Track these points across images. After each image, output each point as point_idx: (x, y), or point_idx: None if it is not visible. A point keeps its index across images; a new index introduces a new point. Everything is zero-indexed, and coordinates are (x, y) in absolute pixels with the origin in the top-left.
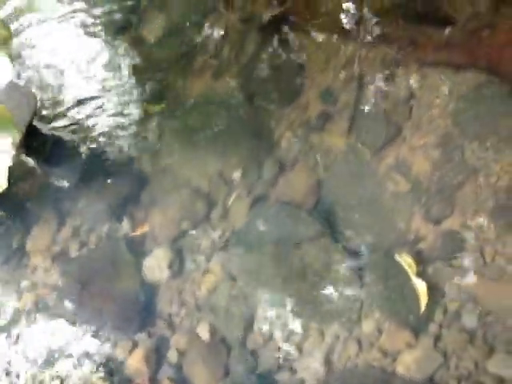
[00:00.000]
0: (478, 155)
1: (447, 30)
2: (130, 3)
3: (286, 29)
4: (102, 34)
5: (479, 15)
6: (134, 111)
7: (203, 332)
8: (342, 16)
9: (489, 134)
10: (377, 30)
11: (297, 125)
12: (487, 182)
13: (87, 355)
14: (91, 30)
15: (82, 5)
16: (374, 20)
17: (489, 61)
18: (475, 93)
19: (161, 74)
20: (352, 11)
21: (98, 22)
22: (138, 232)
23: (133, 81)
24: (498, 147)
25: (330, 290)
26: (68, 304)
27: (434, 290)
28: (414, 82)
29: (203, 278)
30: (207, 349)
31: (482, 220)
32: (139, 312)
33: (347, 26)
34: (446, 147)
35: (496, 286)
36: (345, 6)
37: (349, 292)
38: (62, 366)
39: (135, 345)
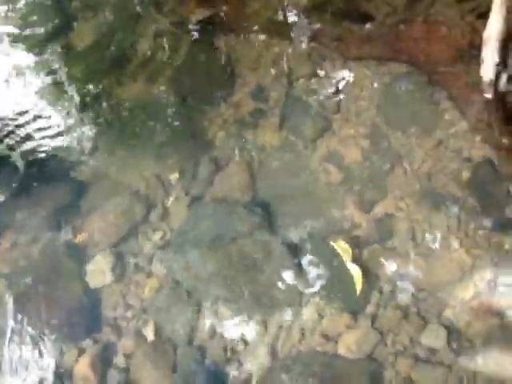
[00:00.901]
0: (403, 142)
1: (368, 26)
2: (58, 11)
3: (216, 30)
4: (31, 44)
5: (396, 11)
6: (69, 119)
7: (149, 333)
8: (270, 15)
9: (411, 121)
10: (304, 28)
11: (230, 123)
12: (413, 167)
13: (34, 365)
14: (17, 41)
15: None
16: (301, 18)
17: (407, 53)
18: (397, 83)
19: (94, 81)
20: (279, 10)
21: (25, 33)
22: (79, 239)
23: (66, 89)
24: (419, 134)
25: (270, 281)
26: (12, 315)
27: (370, 273)
28: (340, 76)
29: (146, 280)
30: (154, 349)
31: (410, 203)
32: (84, 318)
33: (275, 25)
34: (373, 137)
35: (426, 263)
36: (272, 5)
37: (288, 281)
38: (10, 378)
39: (82, 352)
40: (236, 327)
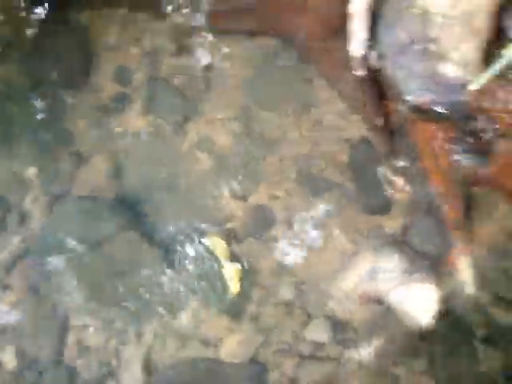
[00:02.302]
0: (277, 124)
1: None
2: None
3: (71, 5)
4: None
5: None
6: None
7: (8, 359)
8: None
9: (285, 101)
10: (166, 2)
11: (91, 110)
12: (289, 151)
13: None
14: None
15: None
16: None
17: (278, 27)
18: (269, 60)
19: None
20: None
21: None
22: None
23: None
24: (294, 114)
25: (142, 287)
26: None
27: (249, 268)
28: (208, 52)
29: (2, 295)
30: (15, 378)
31: (288, 190)
32: None
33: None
34: (245, 119)
35: (307, 254)
36: None
37: (162, 285)
38: None
39: None
40: (108, 341)
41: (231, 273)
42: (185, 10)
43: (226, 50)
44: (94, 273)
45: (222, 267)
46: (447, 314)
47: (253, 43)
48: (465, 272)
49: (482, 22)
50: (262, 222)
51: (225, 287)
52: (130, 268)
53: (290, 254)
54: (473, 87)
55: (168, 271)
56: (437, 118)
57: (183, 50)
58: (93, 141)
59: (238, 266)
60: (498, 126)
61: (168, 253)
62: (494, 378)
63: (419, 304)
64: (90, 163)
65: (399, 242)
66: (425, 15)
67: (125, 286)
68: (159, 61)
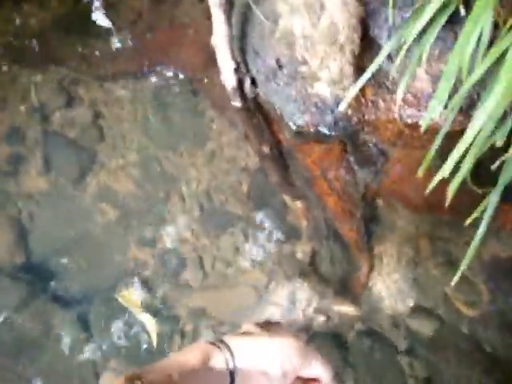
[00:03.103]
0: (175, 163)
1: (114, 39)
2: None
3: None
4: None
5: (141, 17)
6: None
7: None
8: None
9: (180, 137)
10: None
11: None
12: (190, 189)
13: None
14: None
15: None
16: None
17: (163, 62)
18: (160, 97)
19: None
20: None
21: None
22: None
23: None
24: (190, 150)
25: (58, 360)
26: None
27: (167, 316)
28: (97, 100)
29: None
30: None
31: (194, 229)
32: None
33: (16, 50)
34: (144, 162)
35: (221, 293)
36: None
37: (79, 354)
38: None
39: None
40: None
41: (147, 325)
42: (62, 61)
43: (115, 93)
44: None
45: (139, 320)
46: (369, 333)
47: (142, 82)
48: (377, 288)
49: (347, 37)
50: (174, 267)
51: (148, 341)
52: (42, 340)
53: (204, 296)
54: (345, 103)
55: (84, 336)
56: (320, 138)
57: (72, 100)
58: None
59: (152, 317)
60: (386, 137)
61: (82, 316)
62: None
63: (340, 327)
64: None
65: (311, 269)
66: (288, 37)
67: (38, 361)
68: (50, 115)
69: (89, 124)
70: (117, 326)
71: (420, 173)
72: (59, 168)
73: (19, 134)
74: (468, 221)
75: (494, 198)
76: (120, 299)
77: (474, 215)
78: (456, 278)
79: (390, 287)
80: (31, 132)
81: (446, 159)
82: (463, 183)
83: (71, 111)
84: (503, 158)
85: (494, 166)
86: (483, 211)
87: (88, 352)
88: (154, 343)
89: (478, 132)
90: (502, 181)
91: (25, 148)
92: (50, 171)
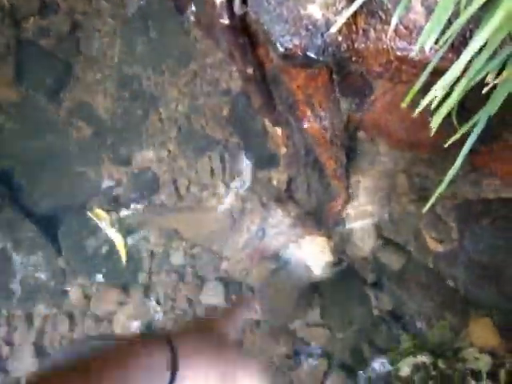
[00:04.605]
0: (155, 81)
1: None
2: None
3: None
4: None
5: None
6: None
7: None
8: None
9: (162, 55)
10: None
11: None
12: (169, 109)
13: None
14: None
15: None
16: None
17: None
18: (143, 12)
19: None
20: None
21: None
22: None
23: None
24: (172, 69)
25: (26, 271)
26: None
27: (137, 236)
28: (75, 9)
29: None
30: None
31: (171, 150)
32: None
33: None
34: (122, 79)
35: (194, 215)
36: None
37: (49, 265)
38: None
39: None
40: None
41: (117, 242)
42: None
43: (96, 5)
44: None
45: (109, 237)
46: (338, 264)
47: None
48: (351, 220)
49: None
50: (148, 187)
51: (114, 258)
52: (10, 254)
53: (178, 217)
54: (336, 27)
55: (52, 250)
56: (307, 63)
57: (47, 8)
58: None
59: (122, 236)
60: (373, 68)
61: (50, 229)
62: (384, 319)
63: (311, 256)
64: None
65: (286, 197)
66: None
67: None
68: (23, 22)
69: (65, 34)
70: (87, 243)
71: (404, 104)
72: (33, 79)
73: None
74: (447, 143)
75: (474, 132)
76: (92, 216)
77: (453, 138)
78: (426, 209)
79: (363, 220)
80: (3, 38)
81: None
82: (445, 119)
83: (46, 19)
84: (496, 81)
85: (484, 90)
86: (461, 145)
87: (57, 266)
88: (124, 261)
89: (470, 61)
90: (488, 110)
91: None
92: (23, 81)
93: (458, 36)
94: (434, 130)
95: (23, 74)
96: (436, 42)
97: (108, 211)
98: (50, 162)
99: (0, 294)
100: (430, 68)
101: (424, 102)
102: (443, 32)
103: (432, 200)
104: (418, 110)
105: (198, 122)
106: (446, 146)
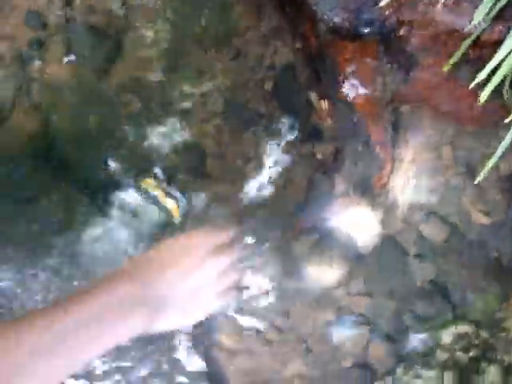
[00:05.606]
0: (202, 57)
1: None
2: None
3: None
4: None
5: None
6: None
7: None
8: None
9: (207, 31)
10: None
11: (8, 59)
12: (215, 84)
13: None
14: None
15: None
16: None
17: None
18: None
19: None
20: None
21: None
22: None
23: None
24: (216, 45)
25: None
26: None
27: (185, 205)
28: None
29: None
30: None
31: (216, 125)
32: None
33: None
34: (170, 54)
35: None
36: None
37: (109, 239)
38: None
39: None
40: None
41: (170, 207)
42: None
43: None
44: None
45: (162, 203)
46: (382, 235)
47: None
48: (394, 192)
49: None
50: (194, 160)
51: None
52: (62, 227)
53: (224, 189)
54: (384, 2)
55: (107, 221)
56: (355, 36)
57: None
58: (11, 93)
59: (175, 202)
60: (420, 41)
61: (103, 202)
62: (424, 287)
63: (355, 228)
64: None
65: (332, 169)
66: None
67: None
68: (72, 1)
69: (115, 11)
70: (141, 210)
71: (445, 68)
72: (82, 56)
73: (40, 18)
74: (509, 119)
75: None
76: (144, 185)
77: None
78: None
79: (407, 192)
80: (53, 16)
81: (477, 70)
82: (493, 93)
83: None
84: None
85: None
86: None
87: (110, 238)
88: (176, 221)
89: None
90: None
91: (46, 33)
92: (73, 59)
93: (509, 8)
94: (482, 103)
95: (72, 51)
96: (487, 14)
97: (157, 182)
98: (101, 136)
99: None
100: (472, 38)
101: (481, 75)
102: (495, 5)
103: (485, 172)
104: (473, 83)
105: (242, 96)
106: (507, 121)
